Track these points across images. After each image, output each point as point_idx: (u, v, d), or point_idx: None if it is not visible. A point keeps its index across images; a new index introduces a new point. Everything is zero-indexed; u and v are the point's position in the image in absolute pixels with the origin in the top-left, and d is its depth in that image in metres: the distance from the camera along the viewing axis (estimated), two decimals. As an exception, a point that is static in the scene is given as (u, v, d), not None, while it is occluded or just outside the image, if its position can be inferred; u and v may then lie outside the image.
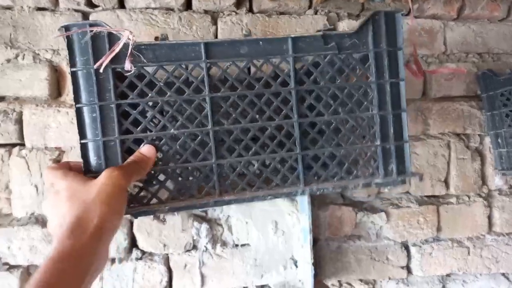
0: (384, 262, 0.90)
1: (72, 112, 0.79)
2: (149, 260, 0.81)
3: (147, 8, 0.82)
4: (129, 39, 0.46)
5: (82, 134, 0.48)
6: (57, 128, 0.79)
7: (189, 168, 0.52)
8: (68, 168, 0.48)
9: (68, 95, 0.81)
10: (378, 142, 0.56)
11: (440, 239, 0.93)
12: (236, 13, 0.86)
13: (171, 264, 0.82)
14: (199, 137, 0.52)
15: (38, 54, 0.80)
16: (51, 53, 0.80)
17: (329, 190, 0.55)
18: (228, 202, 0.54)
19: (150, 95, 0.50)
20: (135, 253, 0.80)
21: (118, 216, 0.44)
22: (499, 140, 0.93)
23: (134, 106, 0.50)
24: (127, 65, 0.47)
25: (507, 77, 0.89)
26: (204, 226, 0.82)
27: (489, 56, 0.98)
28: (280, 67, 0.53)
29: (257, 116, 0.53)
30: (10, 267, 0.78)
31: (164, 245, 0.81)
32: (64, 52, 0.80)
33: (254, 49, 0.51)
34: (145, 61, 0.48)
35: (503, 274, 0.98)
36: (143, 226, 0.81)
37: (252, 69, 0.54)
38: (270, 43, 0.51)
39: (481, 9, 0.94)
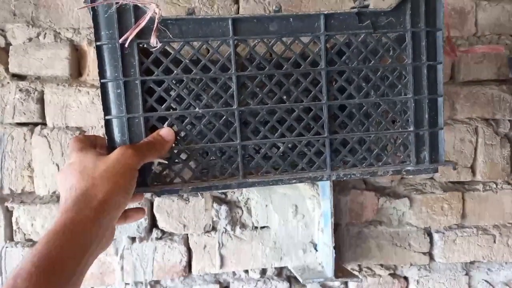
0: (406, 248, 0.89)
1: (92, 92, 0.79)
2: (169, 240, 0.81)
3: (167, -15, 0.81)
4: (155, 13, 0.44)
5: (106, 110, 0.48)
6: (78, 108, 0.79)
7: (213, 148, 0.51)
8: (94, 142, 0.48)
9: (88, 75, 0.80)
10: (411, 128, 0.53)
11: (465, 226, 0.91)
12: (258, -9, 0.83)
13: (191, 245, 0.82)
14: (224, 117, 0.50)
15: (59, 33, 0.79)
16: (72, 32, 0.80)
17: (357, 176, 0.53)
18: (252, 185, 0.53)
19: (175, 72, 0.49)
20: (155, 233, 0.81)
21: (123, 193, 0.43)
22: (531, 126, 0.89)
23: (159, 83, 0.49)
24: (153, 40, 0.46)
25: (543, 59, 0.85)
26: (224, 208, 0.81)
27: (523, 38, 0.94)
28: (310, 46, 0.50)
29: (285, 97, 0.51)
30: (34, 243, 0.79)
31: (184, 226, 0.81)
32: (85, 31, 0.80)
33: (283, 26, 0.49)
34: (171, 36, 0.47)
35: (529, 264, 0.95)
36: (163, 206, 0.81)
37: (281, 48, 0.52)
38: (301, 20, 0.49)
39: (517, -13, 0.89)
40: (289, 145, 0.53)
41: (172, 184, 0.51)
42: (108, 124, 0.48)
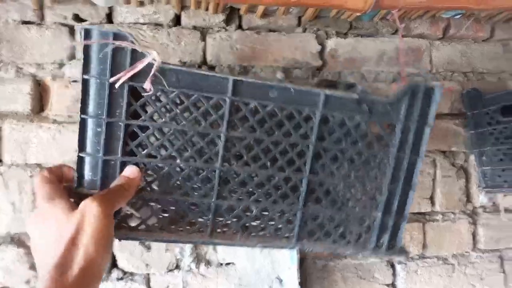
0: (370, 280, 0.90)
1: (54, 128, 0.78)
2: (130, 280, 0.79)
3: (135, 23, 0.82)
4: (155, 60, 0.43)
5: (81, 146, 0.45)
6: (38, 144, 0.77)
7: (186, 202, 0.50)
8: (60, 177, 0.46)
9: (51, 110, 0.79)
10: (379, 214, 0.54)
11: (426, 257, 0.93)
12: (226, 30, 0.86)
13: (152, 285, 0.80)
14: (204, 173, 0.49)
15: (22, 68, 0.78)
16: (35, 67, 0.79)
17: (319, 250, 0.55)
18: (217, 244, 0.52)
19: (164, 120, 0.47)
20: (116, 273, 0.78)
21: (106, 253, 0.41)
22: (484, 158, 0.95)
23: (143, 127, 0.47)
24: (147, 85, 0.44)
25: (491, 96, 0.91)
26: (188, 245, 0.80)
27: (473, 75, 1.00)
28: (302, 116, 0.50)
29: (269, 163, 0.51)
30: (-15, 288, 0.75)
31: (147, 265, 0.79)
32: (49, 67, 0.79)
33: (283, 95, 0.48)
34: (166, 84, 0.45)
35: (487, 292, 0.98)
36: (125, 245, 0.79)
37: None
38: (301, 93, 0.49)
39: (465, 30, 0.96)
40: (262, 209, 0.53)
41: (136, 231, 0.49)
42: (80, 161, 0.46)
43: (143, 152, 0.48)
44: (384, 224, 0.54)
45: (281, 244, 0.53)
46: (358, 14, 0.83)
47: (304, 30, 0.90)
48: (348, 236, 0.55)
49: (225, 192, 0.50)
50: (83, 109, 0.44)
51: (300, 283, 0.77)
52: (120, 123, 0.45)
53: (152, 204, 0.50)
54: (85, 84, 0.44)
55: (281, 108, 0.49)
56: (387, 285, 0.91)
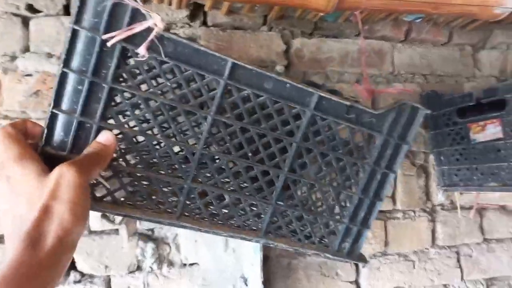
0: (334, 277, 0.91)
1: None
2: (89, 283, 0.76)
3: (94, 16, 0.79)
4: (156, 25, 0.40)
5: (57, 102, 0.41)
6: (-12, 141, 0.73)
7: (159, 180, 0.48)
8: (25, 134, 0.42)
9: (2, 105, 0.74)
10: (345, 220, 0.55)
11: (387, 254, 0.96)
12: (190, 26, 0.84)
13: (112, 287, 0.77)
14: (183, 153, 0.48)
15: (-31, 60, 0.74)
16: (-16, 59, 0.74)
17: (283, 247, 0.55)
18: (183, 227, 0.50)
19: (151, 90, 0.44)
20: (73, 275, 0.75)
21: (83, 222, 0.38)
22: (442, 158, 0.98)
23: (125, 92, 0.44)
24: (143, 51, 0.41)
25: (448, 98, 0.94)
26: (150, 246, 0.78)
27: (432, 78, 1.04)
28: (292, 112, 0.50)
29: (250, 154, 0.50)
30: None
31: (106, 267, 0.76)
32: (0, 59, 0.75)
33: (278, 89, 0.48)
34: (162, 53, 0.42)
35: (444, 286, 1.02)
36: (83, 246, 0.76)
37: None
38: (296, 90, 0.48)
39: (425, 33, 0.99)
40: (235, 199, 0.53)
41: (100, 202, 0.46)
42: (53, 118, 0.42)
43: (122, 121, 0.45)
44: (348, 230, 0.56)
45: (248, 236, 0.52)
46: (322, 14, 0.84)
47: (270, 29, 0.90)
48: (313, 237, 0.56)
49: (201, 177, 0.49)
50: (66, 62, 0.40)
51: (264, 282, 0.77)
52: (104, 85, 0.42)
53: (122, 176, 0.47)
54: (73, 35, 0.40)
55: (273, 101, 0.48)
56: (351, 282, 0.92)
